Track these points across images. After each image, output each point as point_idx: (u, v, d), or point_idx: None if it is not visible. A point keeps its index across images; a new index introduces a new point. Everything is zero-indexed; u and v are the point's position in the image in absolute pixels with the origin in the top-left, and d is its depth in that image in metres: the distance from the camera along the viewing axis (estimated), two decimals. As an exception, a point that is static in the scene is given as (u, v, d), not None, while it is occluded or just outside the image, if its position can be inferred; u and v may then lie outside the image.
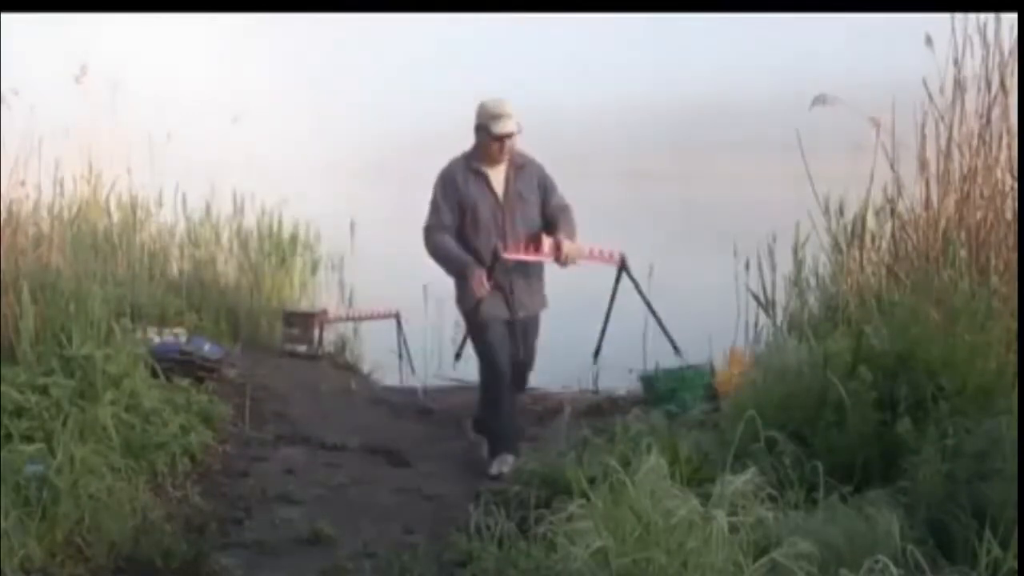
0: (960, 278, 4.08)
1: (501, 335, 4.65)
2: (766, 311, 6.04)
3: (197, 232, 8.17)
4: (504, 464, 4.46)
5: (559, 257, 4.58)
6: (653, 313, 4.88)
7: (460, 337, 5.26)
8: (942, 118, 4.46)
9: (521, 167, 4.70)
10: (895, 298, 4.37)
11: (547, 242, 4.63)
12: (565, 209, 4.76)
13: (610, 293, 4.89)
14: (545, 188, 4.74)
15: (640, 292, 4.78)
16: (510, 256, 4.56)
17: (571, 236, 4.68)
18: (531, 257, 4.63)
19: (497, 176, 4.69)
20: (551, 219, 4.71)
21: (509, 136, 4.58)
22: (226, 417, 4.97)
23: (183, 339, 5.61)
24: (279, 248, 8.25)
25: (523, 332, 4.69)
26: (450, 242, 4.63)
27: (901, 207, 4.85)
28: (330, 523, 3.69)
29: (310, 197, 8.59)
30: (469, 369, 6.87)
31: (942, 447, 3.02)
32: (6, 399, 3.80)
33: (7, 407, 3.77)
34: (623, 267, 4.81)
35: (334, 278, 9.06)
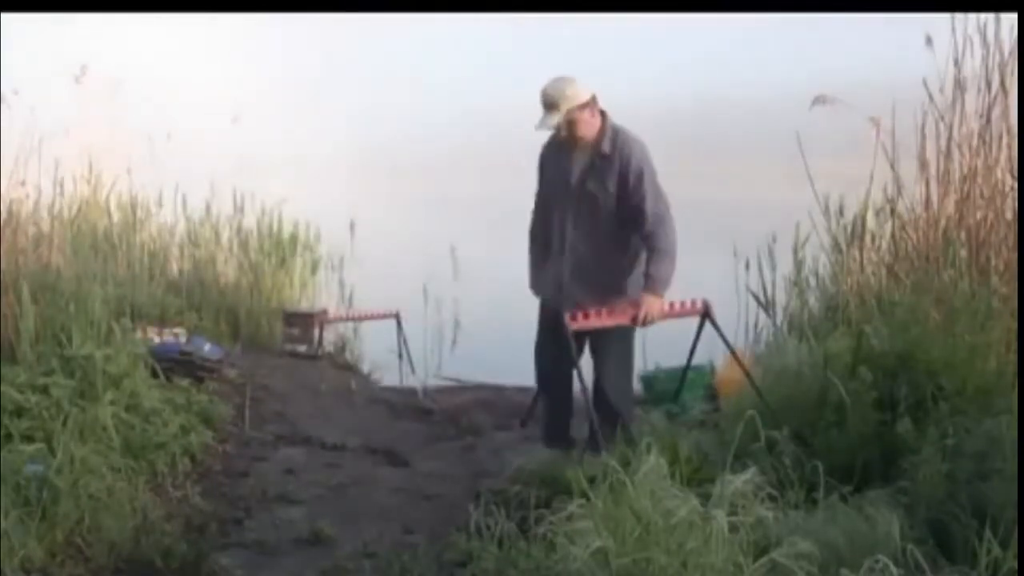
0: (960, 278, 4.09)
1: (549, 340, 4.29)
2: (766, 311, 6.05)
3: (197, 232, 8.17)
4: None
5: (635, 319, 4.11)
6: (733, 354, 4.46)
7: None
8: (942, 118, 4.46)
9: (604, 156, 4.16)
10: (895, 298, 4.37)
11: (624, 303, 4.16)
12: (652, 236, 4.12)
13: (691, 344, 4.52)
14: (626, 183, 4.14)
15: (723, 338, 4.38)
16: (579, 326, 4.08)
17: (655, 285, 4.11)
18: (603, 322, 4.13)
19: (579, 161, 4.22)
20: (635, 226, 4.17)
21: (559, 129, 4.15)
22: (226, 417, 4.97)
23: (183, 339, 5.62)
24: (279, 248, 8.25)
25: (591, 343, 4.23)
26: (534, 248, 4.42)
27: (901, 207, 4.85)
28: (330, 523, 3.68)
29: (310, 197, 8.59)
30: (468, 369, 6.90)
31: (942, 447, 3.02)
32: (6, 399, 3.80)
33: (7, 407, 3.78)
34: (707, 315, 4.33)
35: (334, 278, 9.07)
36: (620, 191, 4.15)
